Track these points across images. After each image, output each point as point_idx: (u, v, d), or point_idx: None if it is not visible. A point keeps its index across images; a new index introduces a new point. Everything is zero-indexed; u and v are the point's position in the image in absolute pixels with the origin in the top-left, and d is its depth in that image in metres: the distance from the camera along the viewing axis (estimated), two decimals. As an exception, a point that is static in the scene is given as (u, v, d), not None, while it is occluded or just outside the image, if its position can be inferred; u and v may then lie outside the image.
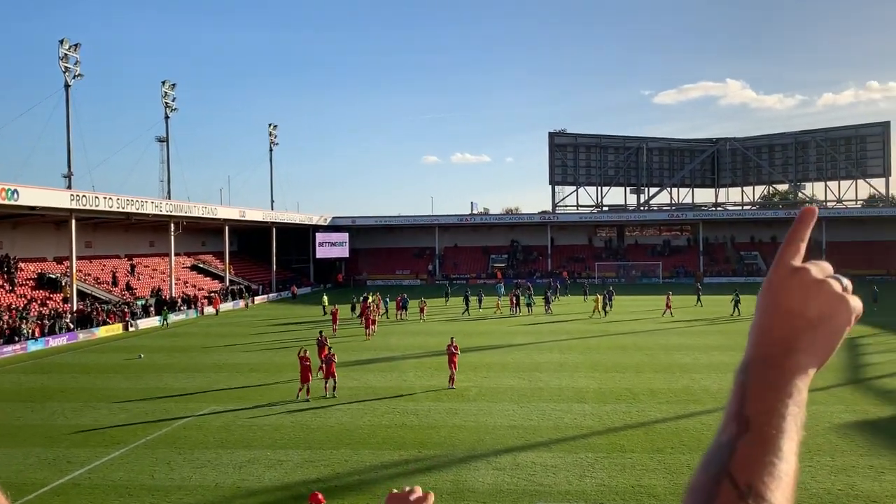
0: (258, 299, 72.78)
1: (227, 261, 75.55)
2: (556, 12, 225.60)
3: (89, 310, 51.15)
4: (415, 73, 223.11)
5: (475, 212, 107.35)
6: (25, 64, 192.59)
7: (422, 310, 51.71)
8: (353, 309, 55.05)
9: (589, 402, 25.06)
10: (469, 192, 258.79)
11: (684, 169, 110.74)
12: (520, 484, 17.16)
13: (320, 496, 13.93)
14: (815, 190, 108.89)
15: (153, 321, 54.37)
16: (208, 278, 76.26)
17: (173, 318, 56.19)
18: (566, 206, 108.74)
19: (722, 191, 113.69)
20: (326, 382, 26.71)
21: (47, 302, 52.44)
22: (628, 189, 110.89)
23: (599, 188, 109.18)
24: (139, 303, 57.80)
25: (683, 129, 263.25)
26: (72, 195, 50.53)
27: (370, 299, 51.83)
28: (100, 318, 50.18)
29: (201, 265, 79.80)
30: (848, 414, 22.71)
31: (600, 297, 52.55)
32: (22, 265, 57.01)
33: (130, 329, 51.34)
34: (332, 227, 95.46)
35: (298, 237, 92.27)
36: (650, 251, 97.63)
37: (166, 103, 73.87)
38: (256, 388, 28.69)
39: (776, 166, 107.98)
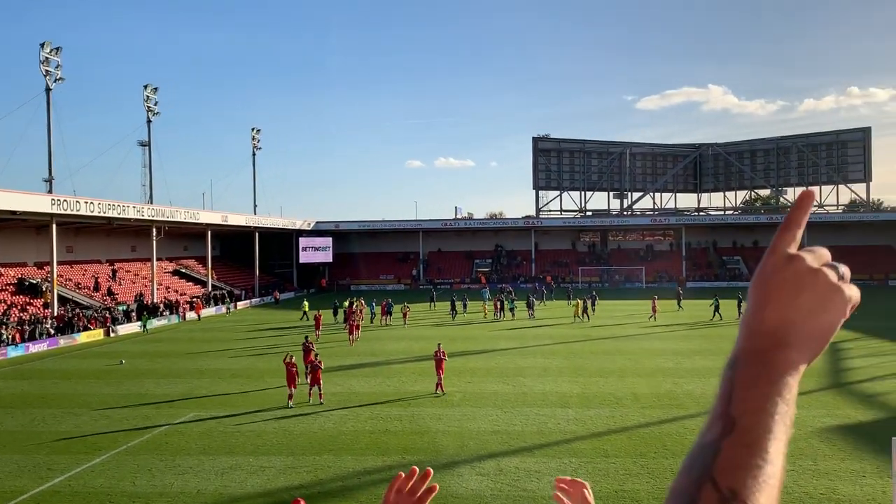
0: (241, 304, 72.39)
1: (210, 266, 75.12)
2: (540, 18, 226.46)
3: (70, 315, 50.71)
4: (399, 78, 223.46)
5: (459, 216, 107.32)
6: (5, 67, 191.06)
7: (405, 315, 51.63)
8: (334, 314, 54.96)
9: (573, 407, 25.07)
10: (453, 196, 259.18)
11: (667, 174, 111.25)
12: (503, 489, 17.14)
13: (303, 502, 13.83)
14: (796, 195, 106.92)
15: (134, 327, 53.98)
16: (191, 283, 75.77)
17: (155, 323, 55.83)
18: (550, 210, 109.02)
19: (704, 196, 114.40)
20: (311, 389, 26.56)
21: (27, 307, 51.93)
22: (611, 194, 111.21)
23: (583, 193, 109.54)
24: (121, 308, 57.36)
25: (666, 135, 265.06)
26: (53, 200, 50.12)
27: (355, 305, 51.77)
28: (81, 324, 49.76)
29: (183, 270, 79.30)
30: (830, 418, 22.85)
31: (580, 302, 52.72)
32: (2, 270, 56.45)
33: (112, 335, 50.93)
34: (316, 232, 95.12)
35: (282, 242, 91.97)
36: (633, 256, 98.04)
37: (148, 107, 73.32)
38: (239, 394, 28.50)
39: (758, 171, 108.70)
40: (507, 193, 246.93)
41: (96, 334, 49.90)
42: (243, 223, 78.79)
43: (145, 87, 72.70)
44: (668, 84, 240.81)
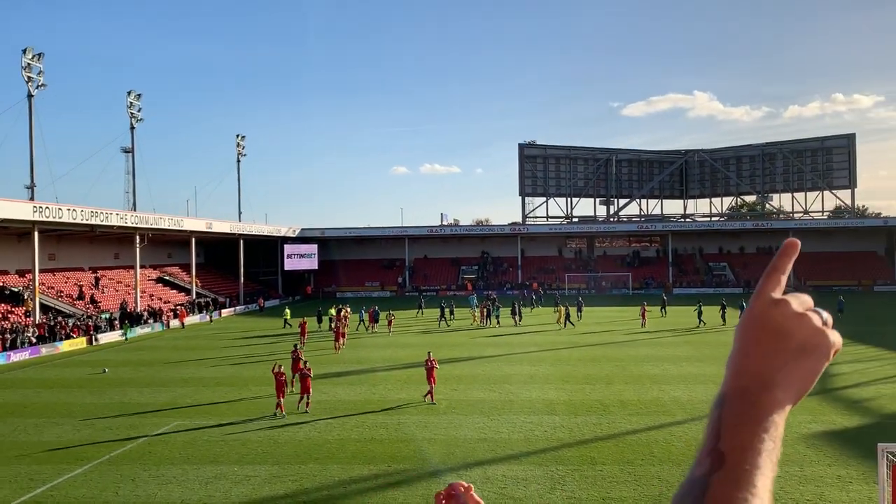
0: (225, 312, 71.93)
1: (194, 273, 74.66)
2: (525, 25, 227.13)
3: (52, 323, 50.23)
4: (385, 85, 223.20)
5: (445, 223, 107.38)
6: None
7: (390, 322, 51.41)
8: (319, 321, 54.81)
9: (559, 414, 25.00)
10: (439, 203, 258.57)
11: (653, 180, 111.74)
12: (490, 497, 17.02)
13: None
14: (781, 201, 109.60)
15: (117, 335, 53.54)
16: (175, 291, 75.33)
17: (139, 331, 55.42)
18: (536, 217, 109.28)
19: (690, 202, 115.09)
20: (301, 398, 26.28)
21: (9, 316, 51.42)
22: (598, 200, 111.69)
23: (569, 199, 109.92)
24: (104, 316, 56.90)
25: (652, 141, 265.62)
26: (34, 207, 49.68)
27: (343, 312, 51.59)
28: (63, 333, 49.30)
29: (167, 278, 78.84)
30: (816, 424, 22.88)
31: (563, 309, 52.71)
32: (-17, 278, 55.89)
33: (94, 343, 50.49)
34: (301, 239, 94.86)
35: (267, 249, 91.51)
36: (620, 262, 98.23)
37: (132, 113, 72.95)
38: (223, 403, 28.24)
39: (744, 178, 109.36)
40: (493, 200, 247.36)
41: (79, 343, 49.42)
42: (228, 230, 78.39)
43: (129, 93, 72.38)
44: (653, 90, 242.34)
